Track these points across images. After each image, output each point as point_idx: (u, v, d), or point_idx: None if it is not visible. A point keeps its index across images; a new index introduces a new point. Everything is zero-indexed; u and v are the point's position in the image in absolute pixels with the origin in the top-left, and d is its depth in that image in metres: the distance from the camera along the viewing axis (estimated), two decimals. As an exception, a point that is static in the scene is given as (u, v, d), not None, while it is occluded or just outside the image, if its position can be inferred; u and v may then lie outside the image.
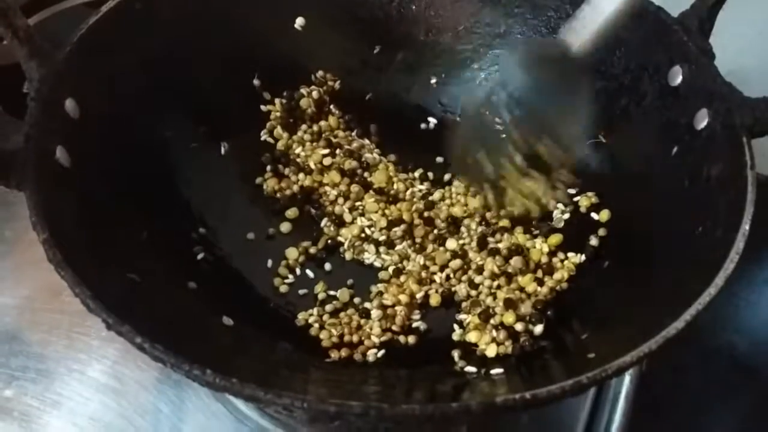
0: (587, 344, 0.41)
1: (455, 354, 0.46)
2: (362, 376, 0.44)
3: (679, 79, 0.48)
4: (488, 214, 0.54)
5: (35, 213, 0.36)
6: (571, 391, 0.31)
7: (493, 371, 0.42)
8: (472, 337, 0.47)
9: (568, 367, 0.36)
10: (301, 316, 0.49)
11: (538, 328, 0.46)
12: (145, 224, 0.46)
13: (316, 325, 0.48)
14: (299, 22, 0.59)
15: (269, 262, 0.52)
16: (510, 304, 0.48)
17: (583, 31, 0.46)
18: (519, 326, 0.47)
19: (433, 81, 0.62)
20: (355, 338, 0.48)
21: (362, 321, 0.49)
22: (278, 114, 0.59)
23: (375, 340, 0.47)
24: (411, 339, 0.48)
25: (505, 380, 0.41)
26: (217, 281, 0.48)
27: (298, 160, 0.58)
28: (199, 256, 0.49)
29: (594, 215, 0.52)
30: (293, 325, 0.48)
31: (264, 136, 0.58)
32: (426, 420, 0.30)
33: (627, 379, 0.54)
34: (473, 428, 0.48)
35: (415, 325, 0.49)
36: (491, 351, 0.45)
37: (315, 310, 0.49)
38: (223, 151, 0.56)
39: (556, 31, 0.56)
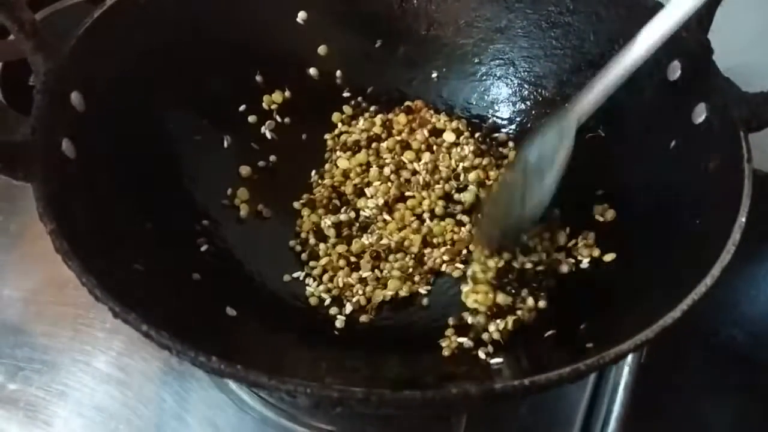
0: (586, 334, 0.42)
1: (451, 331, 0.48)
2: (365, 362, 0.44)
3: (677, 74, 0.48)
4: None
5: (42, 204, 0.37)
6: (569, 377, 0.32)
7: (493, 361, 0.43)
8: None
9: (567, 356, 0.36)
10: (311, 298, 0.51)
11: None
12: (150, 216, 0.46)
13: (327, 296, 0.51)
14: (301, 16, 0.59)
15: (272, 254, 0.53)
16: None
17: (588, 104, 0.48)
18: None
19: (434, 75, 0.62)
20: (362, 300, 0.50)
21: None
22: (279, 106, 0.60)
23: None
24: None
25: (505, 369, 0.42)
26: (220, 273, 0.49)
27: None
28: (203, 248, 0.50)
29: (599, 217, 0.53)
30: (296, 315, 0.49)
31: (265, 129, 0.59)
32: (426, 406, 0.31)
33: (626, 370, 0.54)
34: (473, 417, 0.48)
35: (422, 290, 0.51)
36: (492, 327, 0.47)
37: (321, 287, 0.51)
38: (226, 144, 0.56)
39: (557, 26, 0.57)
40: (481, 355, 0.45)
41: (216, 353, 0.32)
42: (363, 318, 0.49)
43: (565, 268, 0.51)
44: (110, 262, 0.38)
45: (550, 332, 0.44)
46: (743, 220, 0.38)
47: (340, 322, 0.49)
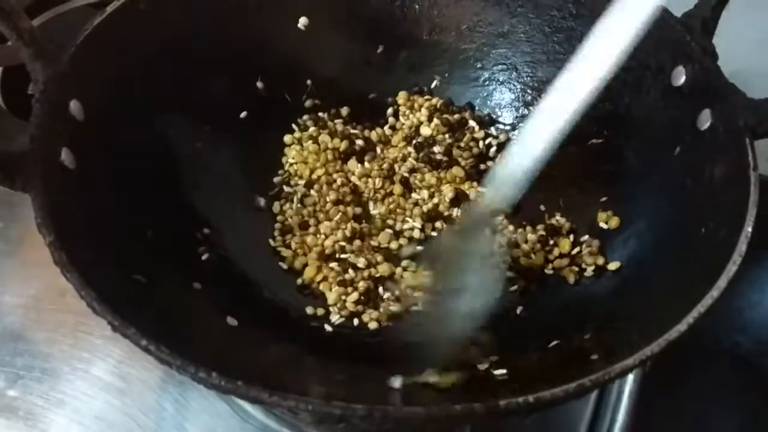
0: (590, 345, 0.41)
1: None
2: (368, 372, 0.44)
3: (682, 80, 0.48)
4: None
5: (41, 215, 0.36)
6: (574, 394, 0.32)
7: (497, 372, 0.43)
8: None
9: (572, 368, 0.36)
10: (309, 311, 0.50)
11: None
12: (150, 225, 0.46)
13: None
14: (302, 22, 0.59)
15: (273, 262, 0.52)
16: None
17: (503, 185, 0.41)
18: None
19: (437, 80, 0.62)
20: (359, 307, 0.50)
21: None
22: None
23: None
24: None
25: (508, 380, 0.41)
26: (221, 282, 0.48)
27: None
28: (204, 257, 0.49)
29: (603, 224, 0.52)
30: (298, 325, 0.49)
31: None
32: (430, 422, 0.30)
33: (630, 377, 0.54)
34: (476, 426, 0.48)
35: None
36: None
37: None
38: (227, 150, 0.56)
39: (560, 31, 0.56)
40: (485, 365, 0.44)
41: (216, 367, 0.32)
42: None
43: (570, 277, 0.50)
44: (110, 273, 0.38)
45: (554, 342, 0.43)
46: (749, 230, 0.38)
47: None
